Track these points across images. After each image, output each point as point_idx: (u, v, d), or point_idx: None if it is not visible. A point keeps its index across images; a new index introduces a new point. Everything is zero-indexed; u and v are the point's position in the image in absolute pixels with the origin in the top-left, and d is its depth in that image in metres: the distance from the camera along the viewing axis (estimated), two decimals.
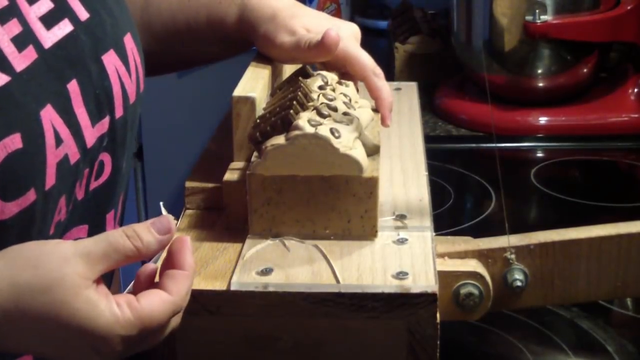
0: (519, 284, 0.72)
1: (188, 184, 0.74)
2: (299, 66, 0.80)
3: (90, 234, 0.72)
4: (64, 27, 0.68)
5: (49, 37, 0.66)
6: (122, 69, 0.73)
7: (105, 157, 0.72)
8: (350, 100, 0.74)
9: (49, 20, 0.67)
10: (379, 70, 0.81)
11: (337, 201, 0.66)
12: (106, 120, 0.71)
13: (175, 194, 2.03)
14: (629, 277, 0.74)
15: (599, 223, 0.74)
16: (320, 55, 0.79)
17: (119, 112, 0.72)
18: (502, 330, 0.85)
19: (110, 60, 0.72)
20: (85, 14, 0.71)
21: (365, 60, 0.80)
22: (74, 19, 0.70)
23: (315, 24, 0.82)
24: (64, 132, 0.65)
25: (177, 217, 0.73)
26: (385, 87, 0.80)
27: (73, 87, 0.67)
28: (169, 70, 1.01)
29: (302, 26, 0.82)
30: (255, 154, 0.68)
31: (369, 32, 1.93)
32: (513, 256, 0.72)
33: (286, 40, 0.81)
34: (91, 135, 0.68)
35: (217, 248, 0.67)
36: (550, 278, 0.73)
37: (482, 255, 0.72)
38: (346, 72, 0.81)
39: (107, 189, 0.73)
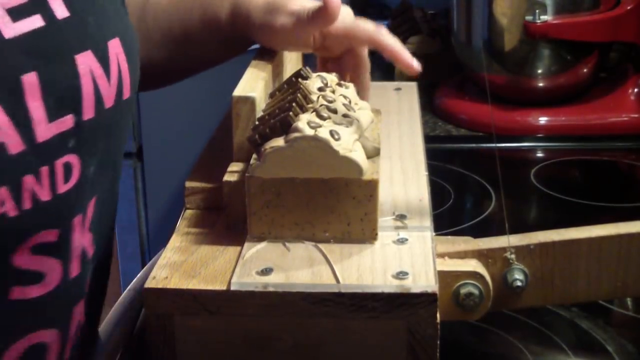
0: (519, 284, 0.72)
1: (188, 184, 0.74)
2: (298, 67, 0.81)
3: (61, 237, 0.71)
4: (33, 22, 0.68)
5: (13, 29, 0.66)
6: (99, 71, 0.73)
7: (73, 159, 0.71)
8: (350, 101, 0.74)
9: (17, 13, 0.67)
10: (384, 30, 0.82)
11: (337, 204, 0.66)
12: (68, 118, 0.70)
13: (175, 194, 2.03)
14: (629, 277, 0.74)
15: (599, 223, 0.74)
16: (325, 21, 0.80)
17: (88, 114, 0.71)
18: (502, 330, 0.85)
19: (85, 60, 0.71)
20: (64, 12, 0.70)
21: (366, 25, 0.81)
22: (48, 16, 0.69)
23: (310, 3, 0.83)
24: (2, 119, 0.64)
25: (177, 217, 0.73)
26: (395, 41, 0.82)
27: (30, 78, 0.66)
28: (174, 80, 1.01)
29: (299, 5, 0.82)
30: (254, 155, 0.68)
31: None
32: (513, 256, 0.72)
33: (287, 21, 0.81)
34: (45, 130, 0.67)
35: (217, 248, 0.67)
36: (551, 278, 0.73)
37: (482, 255, 0.72)
38: (345, 66, 0.82)
39: (76, 193, 0.72)
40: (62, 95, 0.69)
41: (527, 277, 0.73)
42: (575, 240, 0.73)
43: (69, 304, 0.74)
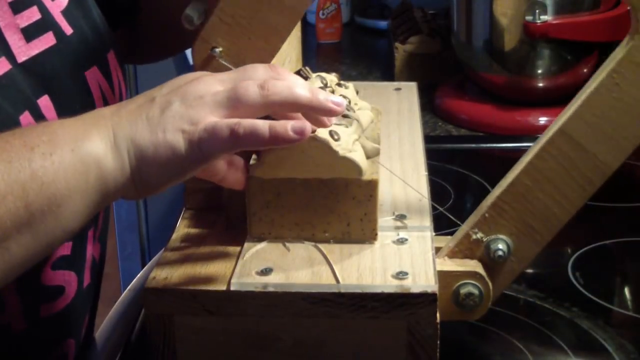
0: (500, 253, 0.71)
1: (188, 184, 0.74)
2: (298, 67, 0.80)
3: (75, 249, 0.71)
4: (47, 41, 0.68)
5: (26, 51, 0.66)
6: (105, 85, 0.73)
7: None
8: (349, 102, 0.74)
9: (31, 32, 0.67)
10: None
11: (337, 204, 0.66)
12: None
13: (175, 194, 2.03)
14: (584, 171, 0.73)
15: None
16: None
17: None
18: (502, 330, 0.84)
19: (93, 76, 0.72)
20: (68, 29, 0.71)
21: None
22: (58, 33, 0.69)
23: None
24: None
25: (177, 217, 0.73)
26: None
27: (44, 102, 0.67)
28: (165, 53, 0.97)
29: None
30: (254, 156, 0.68)
31: (369, 32, 1.93)
32: (480, 234, 0.72)
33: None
34: None
35: (217, 248, 0.67)
36: (526, 225, 0.72)
37: (458, 252, 0.72)
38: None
39: None
40: (78, 114, 0.69)
41: (507, 243, 0.72)
42: (514, 180, 0.72)
43: (83, 312, 0.76)
